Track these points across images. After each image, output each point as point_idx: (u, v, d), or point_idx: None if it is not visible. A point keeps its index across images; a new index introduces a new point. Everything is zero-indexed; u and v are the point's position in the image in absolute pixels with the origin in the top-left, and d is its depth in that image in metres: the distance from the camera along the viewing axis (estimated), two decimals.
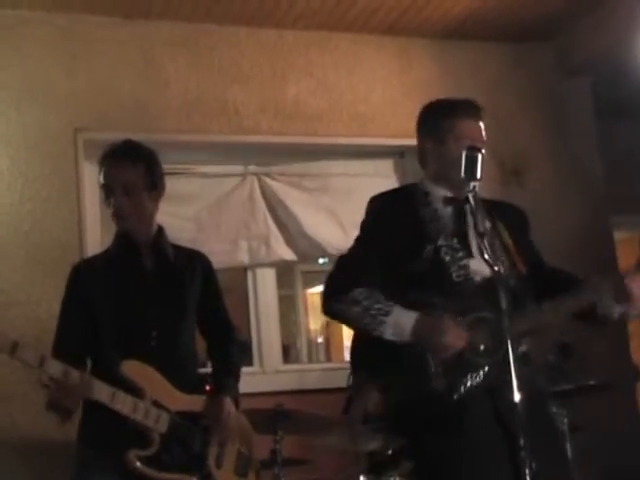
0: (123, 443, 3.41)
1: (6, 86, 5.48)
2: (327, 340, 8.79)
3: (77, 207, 5.46)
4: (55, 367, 3.32)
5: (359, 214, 6.06)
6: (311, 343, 8.87)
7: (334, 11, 5.92)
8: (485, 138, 3.57)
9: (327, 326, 8.70)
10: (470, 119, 3.59)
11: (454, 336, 3.26)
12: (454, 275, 3.40)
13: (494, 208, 3.52)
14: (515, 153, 6.34)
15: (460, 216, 3.50)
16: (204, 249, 5.66)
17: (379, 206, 3.62)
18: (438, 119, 3.66)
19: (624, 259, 6.13)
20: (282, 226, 6.03)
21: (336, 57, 6.19)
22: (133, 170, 3.68)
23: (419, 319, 3.28)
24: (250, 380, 5.79)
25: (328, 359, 8.77)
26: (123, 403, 3.40)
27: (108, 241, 4.12)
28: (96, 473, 3.50)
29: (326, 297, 3.51)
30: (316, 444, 4.66)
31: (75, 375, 3.34)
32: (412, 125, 6.19)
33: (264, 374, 5.99)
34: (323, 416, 4.46)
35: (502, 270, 3.23)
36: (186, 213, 5.84)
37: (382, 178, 6.28)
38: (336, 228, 6.09)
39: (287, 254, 6.06)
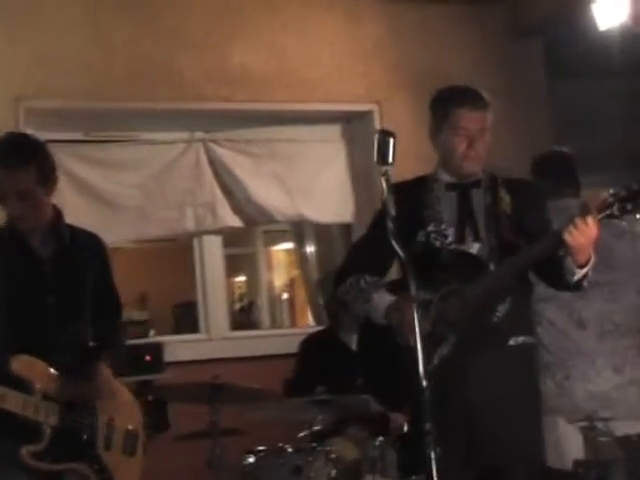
0: (16, 437, 3.46)
1: None
2: (291, 298, 8.83)
3: None
4: None
5: (306, 180, 6.17)
6: (274, 300, 8.90)
7: None
8: (486, 126, 3.68)
9: (291, 284, 8.73)
10: (465, 108, 3.66)
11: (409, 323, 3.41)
12: (444, 259, 3.63)
13: (504, 184, 3.73)
14: None
15: (462, 202, 3.70)
16: (150, 217, 5.80)
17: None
18: (437, 107, 3.77)
19: None
20: (228, 193, 6.03)
21: (284, 21, 6.13)
22: (25, 174, 3.57)
23: (390, 305, 3.57)
24: (196, 347, 5.90)
25: (292, 316, 8.81)
26: (13, 402, 3.44)
27: None
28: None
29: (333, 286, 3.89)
30: (253, 416, 4.69)
31: None
32: (360, 90, 6.25)
33: (210, 341, 6.04)
34: (259, 388, 4.49)
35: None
36: (131, 180, 5.83)
37: (329, 143, 6.34)
38: (283, 194, 6.12)
39: (233, 221, 6.06)
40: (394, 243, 3.23)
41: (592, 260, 3.46)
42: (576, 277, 3.49)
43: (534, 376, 3.73)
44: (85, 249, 3.82)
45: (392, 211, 3.30)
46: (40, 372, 3.53)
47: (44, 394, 3.52)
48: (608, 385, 4.08)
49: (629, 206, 3.28)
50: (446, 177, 3.74)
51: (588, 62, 6.43)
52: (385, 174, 3.29)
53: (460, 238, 3.66)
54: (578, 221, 3.31)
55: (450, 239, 3.65)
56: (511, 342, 3.62)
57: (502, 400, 3.55)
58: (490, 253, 3.61)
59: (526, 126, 6.37)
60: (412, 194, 3.69)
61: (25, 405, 3.46)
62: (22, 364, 3.48)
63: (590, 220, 3.31)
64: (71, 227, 3.86)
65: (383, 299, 3.63)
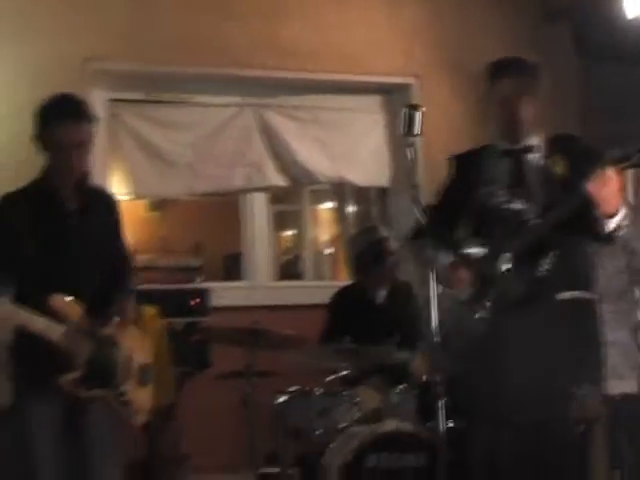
0: (52, 367, 3.80)
1: (15, 18, 5.79)
2: (335, 253, 9.18)
3: None
4: None
5: (347, 145, 6.57)
6: (319, 254, 9.26)
7: None
8: (529, 92, 3.86)
9: (335, 240, 9.08)
10: (507, 78, 3.87)
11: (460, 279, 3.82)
12: (497, 218, 3.89)
13: (558, 142, 3.93)
14: None
15: (515, 166, 3.93)
16: (200, 173, 6.21)
17: (453, 161, 4.10)
18: (486, 80, 3.97)
19: None
20: (275, 154, 6.44)
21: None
22: (88, 130, 3.94)
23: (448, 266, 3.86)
24: (240, 294, 6.34)
25: (335, 270, 9.16)
26: (56, 333, 3.78)
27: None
28: (34, 396, 3.88)
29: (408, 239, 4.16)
30: (286, 360, 5.04)
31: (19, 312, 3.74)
32: (399, 64, 6.62)
33: (253, 289, 6.49)
34: (292, 335, 4.86)
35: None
36: (185, 140, 6.25)
37: (369, 114, 6.74)
38: (325, 157, 6.54)
39: (278, 180, 6.50)
40: (416, 210, 3.63)
41: (622, 211, 3.59)
42: (607, 228, 3.63)
43: (589, 329, 3.97)
44: (103, 204, 4.15)
45: (416, 180, 3.74)
46: (73, 309, 3.85)
47: (78, 328, 3.84)
48: None
49: None
50: (502, 144, 3.96)
51: (619, 46, 6.51)
52: (411, 145, 3.64)
53: (511, 199, 3.88)
54: (599, 172, 3.47)
55: (502, 199, 3.89)
56: (560, 296, 3.85)
57: (547, 353, 3.77)
58: (539, 214, 3.81)
59: (556, 108, 6.63)
60: (473, 160, 4.01)
61: (65, 336, 3.79)
62: (59, 301, 3.80)
63: (610, 172, 3.47)
64: (90, 185, 4.16)
65: (443, 260, 3.89)
